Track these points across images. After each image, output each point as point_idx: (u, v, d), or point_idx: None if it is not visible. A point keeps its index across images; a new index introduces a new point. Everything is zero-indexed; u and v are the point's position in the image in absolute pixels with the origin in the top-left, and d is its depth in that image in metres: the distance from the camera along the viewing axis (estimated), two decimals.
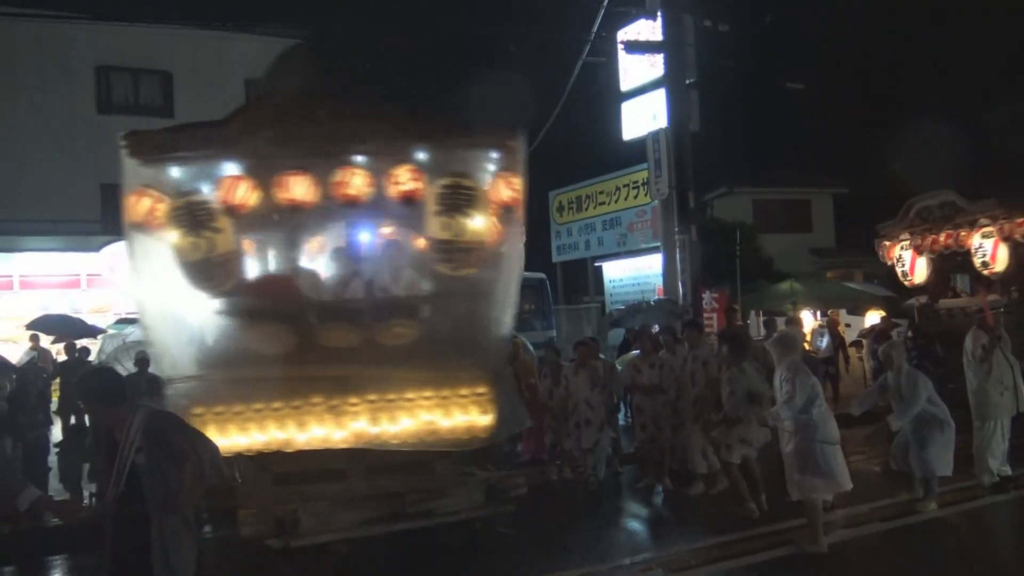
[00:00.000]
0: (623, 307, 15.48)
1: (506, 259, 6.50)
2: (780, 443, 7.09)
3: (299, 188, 5.98)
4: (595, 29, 14.88)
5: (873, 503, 7.92)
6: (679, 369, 8.95)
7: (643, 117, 15.16)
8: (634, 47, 14.77)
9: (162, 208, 5.87)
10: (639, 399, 9.42)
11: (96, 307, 17.43)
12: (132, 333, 12.18)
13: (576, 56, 15.21)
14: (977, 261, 11.78)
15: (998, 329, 8.53)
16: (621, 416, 10.86)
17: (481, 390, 6.44)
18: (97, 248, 16.96)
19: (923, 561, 6.72)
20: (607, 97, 16.24)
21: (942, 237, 12.38)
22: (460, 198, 6.13)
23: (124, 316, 15.37)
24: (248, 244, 6.50)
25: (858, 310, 18.13)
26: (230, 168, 6.07)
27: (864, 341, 14.85)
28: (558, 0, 15.97)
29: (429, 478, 6.83)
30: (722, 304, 15.86)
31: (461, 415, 6.43)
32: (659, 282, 15.89)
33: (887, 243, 13.50)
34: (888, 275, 15.13)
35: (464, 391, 6.42)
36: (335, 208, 6.24)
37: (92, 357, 12.38)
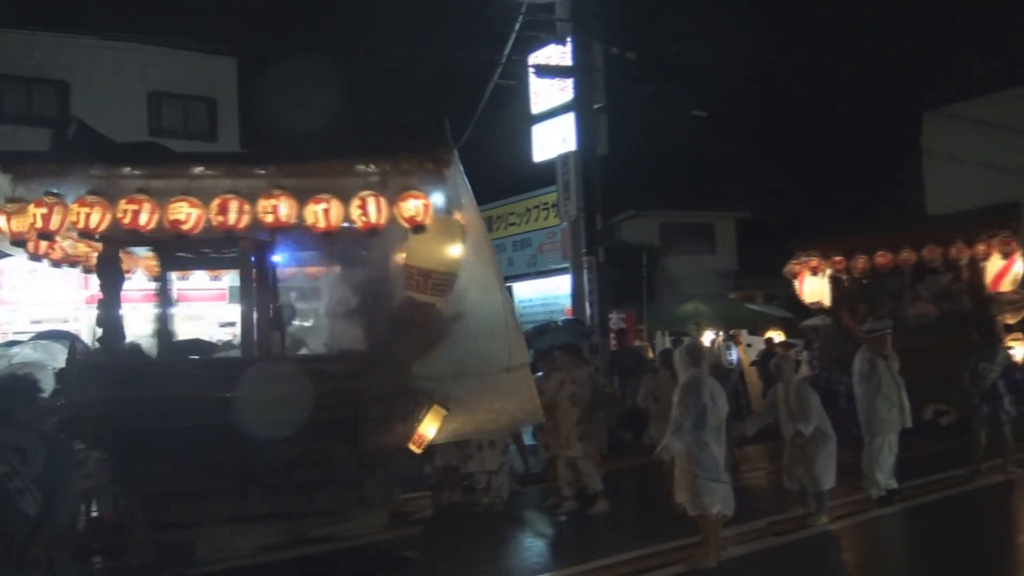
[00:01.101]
0: (530, 328, 15.58)
1: None
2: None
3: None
4: (507, 52, 15.07)
5: (769, 518, 8.16)
6: (554, 391, 9.04)
7: (553, 140, 15.41)
8: (544, 71, 15.03)
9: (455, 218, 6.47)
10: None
11: None
12: (18, 354, 11.55)
13: (488, 78, 15.37)
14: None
15: (885, 349, 8.94)
16: (528, 435, 10.90)
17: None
18: None
19: (814, 573, 6.96)
20: (518, 119, 16.45)
21: None
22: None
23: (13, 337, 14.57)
24: None
25: (758, 331, 18.77)
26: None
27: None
28: (471, 22, 16.13)
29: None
30: (630, 324, 16.21)
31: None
32: (568, 303, 16.07)
33: None
34: (787, 297, 15.79)
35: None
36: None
37: None
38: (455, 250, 6.43)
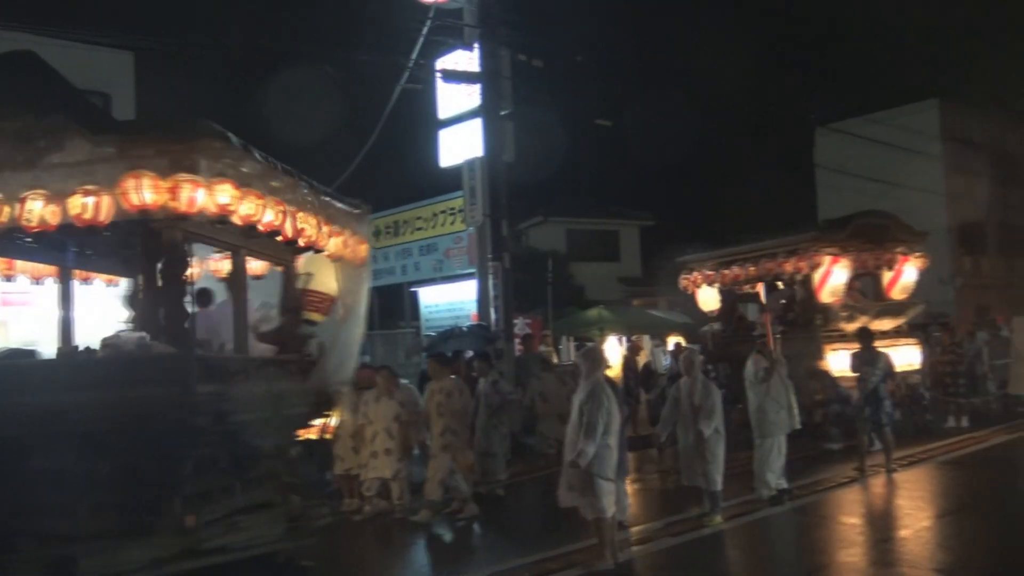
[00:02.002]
0: (434, 334, 15.57)
1: None
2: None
3: None
4: (414, 57, 14.99)
5: (667, 519, 8.37)
6: (427, 401, 9.18)
7: (460, 145, 15.40)
8: (451, 76, 15.00)
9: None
10: None
11: None
12: None
13: (395, 82, 15.26)
14: None
15: (775, 353, 9.31)
16: None
17: None
18: None
19: (708, 572, 7.17)
20: (425, 124, 16.39)
21: None
22: None
23: None
24: None
25: (660, 336, 19.23)
26: None
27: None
28: (378, 26, 16.00)
29: None
30: (535, 330, 16.35)
31: None
32: (474, 308, 16.10)
33: None
34: (688, 303, 16.29)
35: None
36: None
37: None
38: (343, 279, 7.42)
